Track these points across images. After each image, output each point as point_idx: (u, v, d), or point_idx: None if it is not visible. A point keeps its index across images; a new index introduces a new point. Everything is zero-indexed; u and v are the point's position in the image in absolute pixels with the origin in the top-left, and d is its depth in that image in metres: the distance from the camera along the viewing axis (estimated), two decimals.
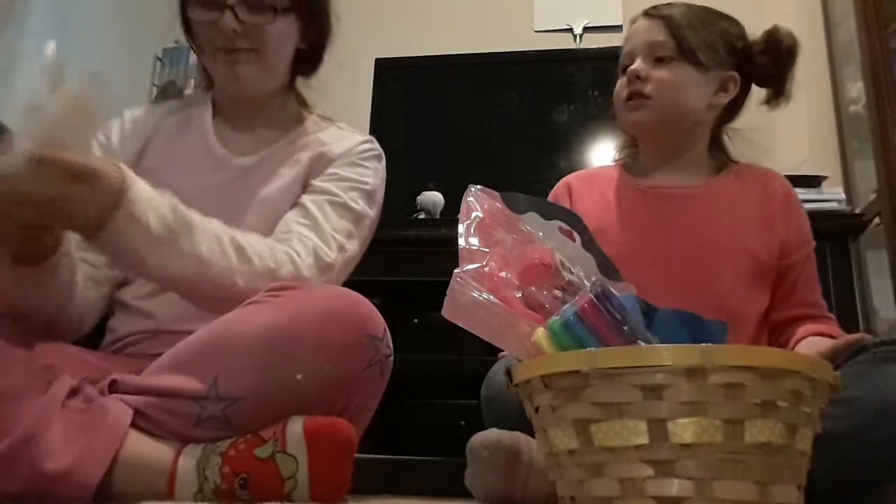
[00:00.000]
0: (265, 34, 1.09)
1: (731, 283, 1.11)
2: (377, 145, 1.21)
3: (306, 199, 1.09)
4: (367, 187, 1.14)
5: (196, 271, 0.90)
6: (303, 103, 1.25)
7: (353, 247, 1.09)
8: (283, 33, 1.12)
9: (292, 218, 1.06)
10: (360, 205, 1.11)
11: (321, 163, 1.14)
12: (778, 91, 1.20)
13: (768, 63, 1.18)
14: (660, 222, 1.17)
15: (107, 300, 1.11)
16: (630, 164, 1.27)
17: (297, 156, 1.15)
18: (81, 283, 1.03)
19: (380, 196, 1.17)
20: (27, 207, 0.79)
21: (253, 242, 0.96)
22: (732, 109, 1.22)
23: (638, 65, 1.15)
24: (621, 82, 1.19)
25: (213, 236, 0.92)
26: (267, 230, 1.05)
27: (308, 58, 1.20)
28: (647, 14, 1.19)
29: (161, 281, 0.92)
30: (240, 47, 1.09)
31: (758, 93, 1.25)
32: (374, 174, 1.16)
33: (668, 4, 1.19)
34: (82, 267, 1.05)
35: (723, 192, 1.18)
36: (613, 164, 1.31)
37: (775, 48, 1.18)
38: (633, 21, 1.22)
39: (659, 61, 1.15)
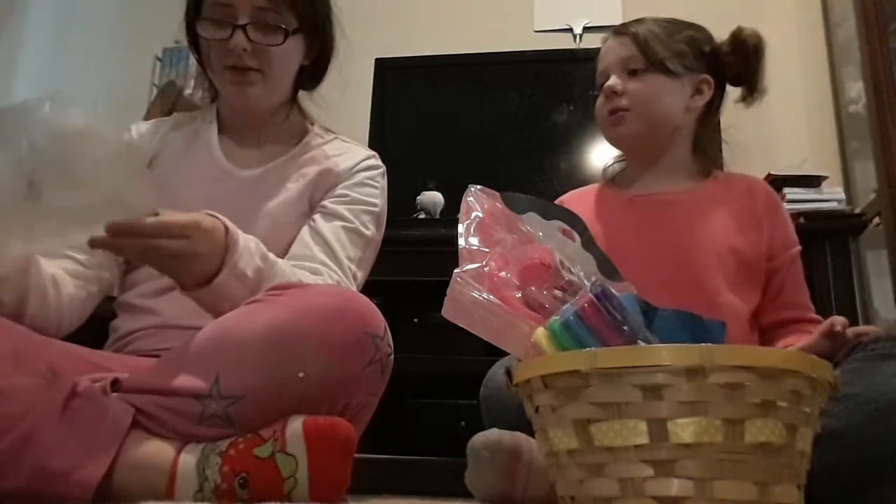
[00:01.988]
0: (273, 54, 1.11)
1: (719, 282, 1.13)
2: (380, 161, 1.24)
3: (322, 223, 1.11)
4: (375, 209, 1.17)
5: None
6: (305, 115, 1.26)
7: (362, 274, 1.14)
8: (290, 52, 1.13)
9: (313, 244, 1.09)
10: (370, 230, 1.15)
11: (328, 179, 1.16)
12: (751, 88, 1.24)
13: (737, 62, 1.23)
14: (647, 226, 1.20)
15: (94, 300, 1.11)
16: (618, 178, 1.32)
17: (302, 170, 1.17)
18: (67, 279, 1.04)
19: (384, 216, 1.20)
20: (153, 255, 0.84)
21: (309, 281, 1.01)
22: (709, 111, 1.26)
23: (613, 81, 1.20)
24: (600, 100, 1.24)
25: (288, 280, 0.97)
26: (272, 241, 1.07)
27: (311, 73, 1.22)
28: (616, 32, 1.24)
29: None
30: (248, 66, 1.10)
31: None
32: (380, 193, 1.20)
33: (637, 21, 1.24)
34: (69, 265, 1.06)
35: (708, 195, 1.22)
36: (602, 182, 1.34)
37: (742, 48, 1.22)
38: (604, 41, 1.27)
39: (632, 74, 1.20)
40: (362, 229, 1.13)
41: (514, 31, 2.53)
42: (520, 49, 2.42)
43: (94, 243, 0.79)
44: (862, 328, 0.96)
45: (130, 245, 0.81)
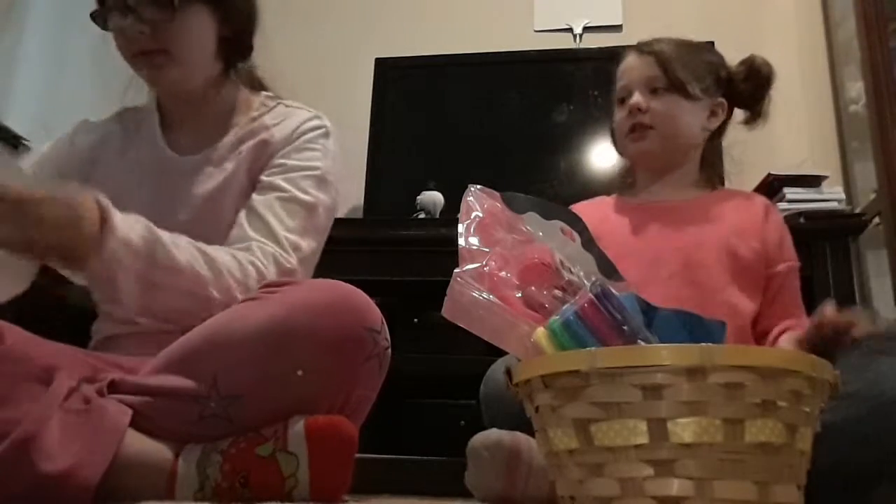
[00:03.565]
0: (172, 32, 1.05)
1: (720, 281, 1.16)
2: (325, 121, 1.17)
3: (256, 199, 1.06)
4: (317, 172, 1.10)
5: (172, 282, 0.91)
6: (254, 85, 1.21)
7: (309, 243, 1.06)
8: (193, 26, 1.07)
9: (246, 224, 1.04)
10: (311, 194, 1.08)
11: (266, 151, 1.11)
12: (756, 113, 1.31)
13: (749, 89, 1.30)
14: (653, 227, 1.24)
15: None
16: (625, 190, 1.36)
17: (240, 147, 1.12)
18: None
19: (333, 177, 1.12)
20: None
21: (220, 255, 0.97)
22: (719, 130, 1.33)
23: (637, 98, 1.25)
24: (621, 115, 1.28)
25: (185, 250, 0.93)
26: (212, 224, 1.04)
27: (235, 44, 1.15)
28: (639, 50, 1.29)
29: (140, 299, 0.91)
30: (151, 49, 1.05)
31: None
32: (322, 155, 1.12)
33: (657, 40, 1.29)
34: None
35: (711, 204, 1.27)
36: (611, 194, 1.38)
37: (755, 76, 1.30)
38: (623, 57, 1.32)
39: (654, 93, 1.25)
40: (301, 195, 1.06)
41: (514, 31, 2.53)
42: (520, 49, 2.42)
43: None
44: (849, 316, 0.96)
45: (8, 218, 0.78)
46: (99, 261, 0.85)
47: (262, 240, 1.02)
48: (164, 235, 0.92)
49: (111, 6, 1.05)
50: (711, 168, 1.33)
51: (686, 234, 1.21)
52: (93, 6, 1.08)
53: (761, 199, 1.30)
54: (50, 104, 2.54)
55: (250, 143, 1.12)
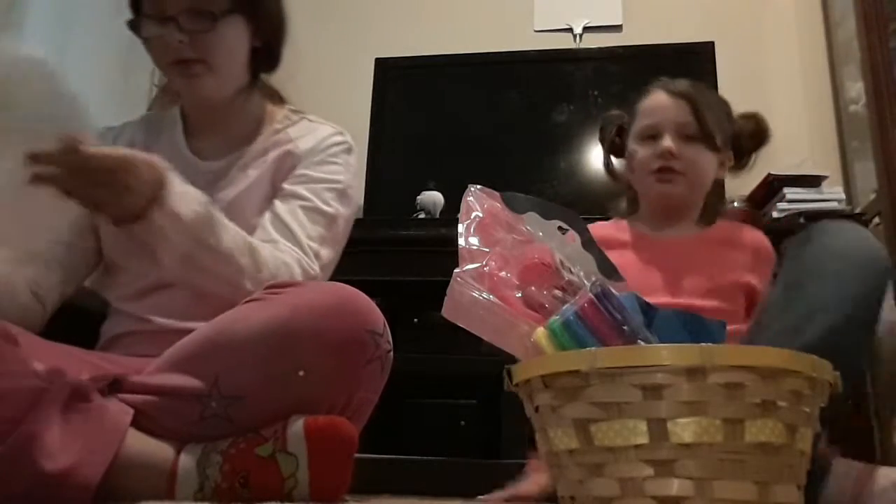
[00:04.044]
0: (211, 42, 1.06)
1: (719, 310, 1.18)
2: (347, 137, 1.19)
3: (279, 206, 1.09)
4: (338, 185, 1.13)
5: (213, 266, 0.94)
6: (274, 98, 1.23)
7: (328, 253, 1.09)
8: (231, 37, 1.09)
9: (270, 227, 1.06)
10: (332, 206, 1.11)
11: (288, 161, 1.13)
12: (743, 165, 1.35)
13: (750, 146, 1.33)
14: (658, 262, 1.26)
15: (74, 285, 1.11)
16: (632, 218, 1.38)
17: (264, 156, 1.14)
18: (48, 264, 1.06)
19: (353, 191, 1.16)
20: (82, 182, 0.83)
21: (262, 248, 0.99)
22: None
23: (670, 143, 1.25)
24: (648, 154, 1.28)
25: (233, 237, 0.96)
26: None
27: (266, 55, 1.17)
28: (670, 91, 1.29)
29: (177, 270, 0.94)
30: (189, 58, 1.06)
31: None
32: (345, 169, 1.15)
33: (682, 81, 1.30)
34: (58, 249, 1.08)
35: (712, 239, 1.30)
36: (615, 220, 1.40)
37: (759, 135, 1.33)
38: (649, 92, 1.32)
39: (685, 140, 1.25)
40: (323, 206, 1.09)
41: (514, 31, 2.53)
42: (520, 49, 2.42)
43: (33, 157, 0.78)
44: None
45: (70, 166, 0.80)
46: (143, 228, 0.88)
47: (288, 244, 1.04)
48: (219, 216, 0.96)
49: (150, 15, 1.06)
50: (712, 206, 1.36)
51: (692, 269, 1.23)
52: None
53: (763, 244, 1.32)
54: None
55: (275, 152, 1.14)
